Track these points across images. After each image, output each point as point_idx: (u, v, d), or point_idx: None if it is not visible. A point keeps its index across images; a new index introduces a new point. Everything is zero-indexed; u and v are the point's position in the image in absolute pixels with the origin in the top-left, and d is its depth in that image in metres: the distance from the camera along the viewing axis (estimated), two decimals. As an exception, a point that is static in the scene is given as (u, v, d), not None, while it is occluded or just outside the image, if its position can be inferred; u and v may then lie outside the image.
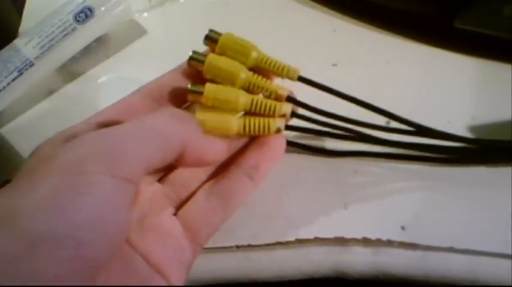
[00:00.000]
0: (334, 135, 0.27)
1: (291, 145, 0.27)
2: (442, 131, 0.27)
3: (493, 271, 0.25)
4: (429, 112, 0.30)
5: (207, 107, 0.24)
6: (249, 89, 0.25)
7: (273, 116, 0.25)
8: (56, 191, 0.17)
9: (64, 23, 0.33)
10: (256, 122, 0.25)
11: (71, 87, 0.34)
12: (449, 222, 0.26)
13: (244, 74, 0.25)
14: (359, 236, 0.25)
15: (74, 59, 0.34)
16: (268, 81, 0.26)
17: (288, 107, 0.25)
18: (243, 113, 0.26)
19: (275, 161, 0.26)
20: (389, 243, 0.25)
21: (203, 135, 0.23)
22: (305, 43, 0.34)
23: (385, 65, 0.32)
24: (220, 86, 0.25)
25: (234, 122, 0.25)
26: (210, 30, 0.26)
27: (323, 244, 0.26)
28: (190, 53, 0.25)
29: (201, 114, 0.24)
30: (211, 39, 0.26)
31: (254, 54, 0.25)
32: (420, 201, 0.27)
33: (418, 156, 0.28)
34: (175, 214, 0.24)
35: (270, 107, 0.25)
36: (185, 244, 0.23)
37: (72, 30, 0.33)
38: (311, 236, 0.25)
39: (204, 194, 0.24)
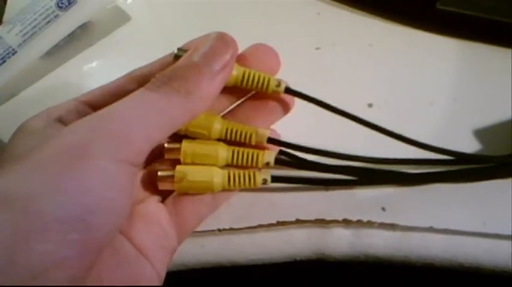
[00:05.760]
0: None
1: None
2: (479, 154, 0.26)
3: (471, 250, 0.25)
4: (412, 94, 0.30)
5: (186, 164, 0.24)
6: (227, 137, 0.24)
7: (257, 166, 0.24)
8: (64, 174, 0.17)
9: (47, 10, 0.32)
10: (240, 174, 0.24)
11: (55, 75, 0.34)
12: (429, 202, 0.26)
13: (219, 125, 0.24)
14: (340, 217, 0.25)
15: (58, 46, 0.33)
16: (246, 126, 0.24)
17: (271, 155, 0.24)
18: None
19: None
20: (370, 224, 0.25)
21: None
22: (289, 26, 0.34)
23: (369, 48, 0.32)
24: (197, 141, 0.24)
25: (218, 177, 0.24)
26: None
27: (304, 226, 0.26)
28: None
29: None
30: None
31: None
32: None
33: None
34: (162, 201, 0.24)
35: (253, 157, 0.24)
36: (170, 230, 0.23)
37: (55, 17, 0.33)
38: (292, 218, 0.25)
39: None
